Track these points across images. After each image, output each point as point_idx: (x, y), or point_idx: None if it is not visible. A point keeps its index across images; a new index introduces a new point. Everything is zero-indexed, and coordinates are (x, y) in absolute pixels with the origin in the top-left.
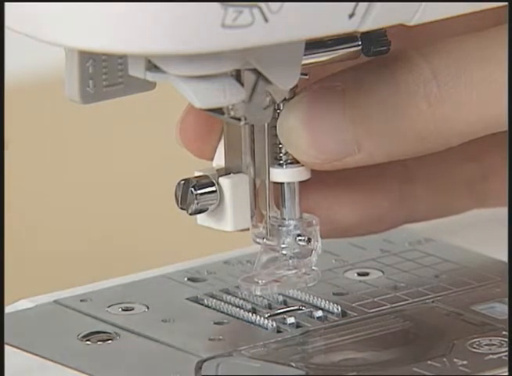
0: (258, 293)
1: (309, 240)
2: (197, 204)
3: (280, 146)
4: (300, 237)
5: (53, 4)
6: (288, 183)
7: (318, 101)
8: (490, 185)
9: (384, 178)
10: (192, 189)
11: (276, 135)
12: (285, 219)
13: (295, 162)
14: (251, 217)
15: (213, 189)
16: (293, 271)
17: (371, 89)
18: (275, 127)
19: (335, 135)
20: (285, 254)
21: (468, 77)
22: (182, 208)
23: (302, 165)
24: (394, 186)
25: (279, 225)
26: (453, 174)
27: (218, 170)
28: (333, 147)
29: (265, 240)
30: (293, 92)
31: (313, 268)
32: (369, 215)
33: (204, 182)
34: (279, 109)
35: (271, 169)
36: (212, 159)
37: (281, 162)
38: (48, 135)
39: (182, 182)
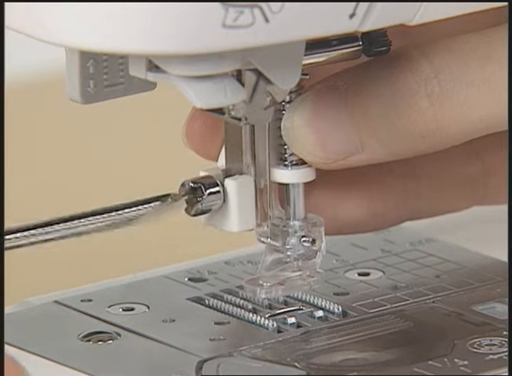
0: (263, 296)
1: (314, 241)
2: (201, 204)
3: (285, 146)
4: (304, 238)
5: (54, 4)
6: (293, 184)
7: (321, 100)
8: (491, 182)
9: (387, 176)
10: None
11: (281, 136)
12: (289, 220)
13: (300, 163)
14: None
15: (217, 189)
16: (298, 273)
17: (372, 88)
18: (280, 128)
19: (339, 134)
20: (289, 256)
21: (469, 76)
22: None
23: (307, 166)
24: (398, 184)
25: (284, 226)
26: (455, 171)
27: (222, 170)
28: (338, 146)
29: (269, 239)
30: (298, 93)
31: (318, 270)
32: (373, 212)
33: (209, 182)
34: (283, 110)
35: (276, 170)
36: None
37: (286, 163)
38: (49, 135)
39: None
